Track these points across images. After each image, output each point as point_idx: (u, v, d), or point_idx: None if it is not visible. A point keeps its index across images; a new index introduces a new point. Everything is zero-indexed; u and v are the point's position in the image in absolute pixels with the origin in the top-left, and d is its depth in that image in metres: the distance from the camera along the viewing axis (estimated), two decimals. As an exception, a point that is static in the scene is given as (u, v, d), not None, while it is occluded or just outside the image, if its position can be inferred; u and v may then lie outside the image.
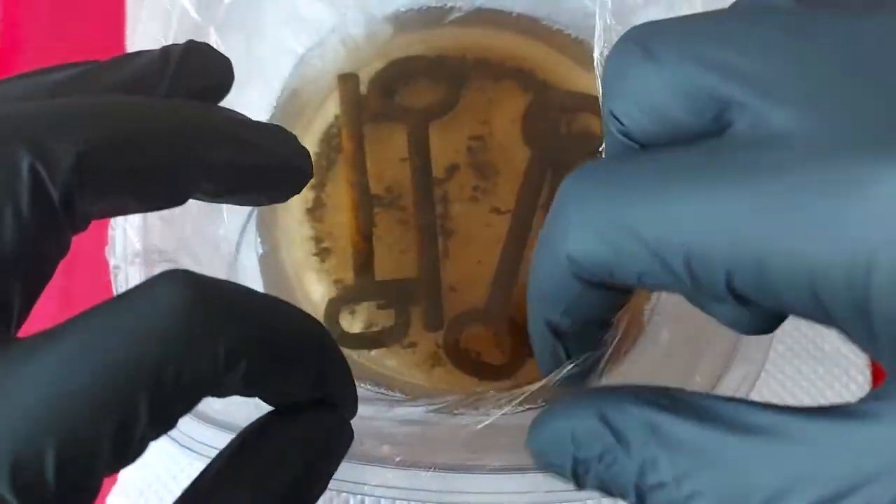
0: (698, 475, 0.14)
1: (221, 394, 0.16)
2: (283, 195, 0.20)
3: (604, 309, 0.19)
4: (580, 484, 0.16)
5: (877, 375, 0.33)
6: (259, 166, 0.18)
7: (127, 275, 0.26)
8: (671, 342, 0.30)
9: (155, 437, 0.15)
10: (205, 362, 0.15)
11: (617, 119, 0.17)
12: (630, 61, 0.16)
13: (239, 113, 0.19)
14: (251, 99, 0.32)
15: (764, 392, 0.33)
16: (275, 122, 0.33)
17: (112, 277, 0.26)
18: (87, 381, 0.14)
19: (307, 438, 0.18)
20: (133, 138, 0.16)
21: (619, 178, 0.16)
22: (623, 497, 0.16)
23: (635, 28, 0.17)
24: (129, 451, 0.15)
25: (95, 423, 0.14)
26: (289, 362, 0.17)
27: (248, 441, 0.18)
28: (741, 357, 0.25)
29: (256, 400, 0.18)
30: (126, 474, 0.32)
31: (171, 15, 0.22)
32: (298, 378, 0.17)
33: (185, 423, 0.24)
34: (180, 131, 0.17)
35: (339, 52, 0.33)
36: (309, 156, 0.20)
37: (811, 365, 0.33)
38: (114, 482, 0.33)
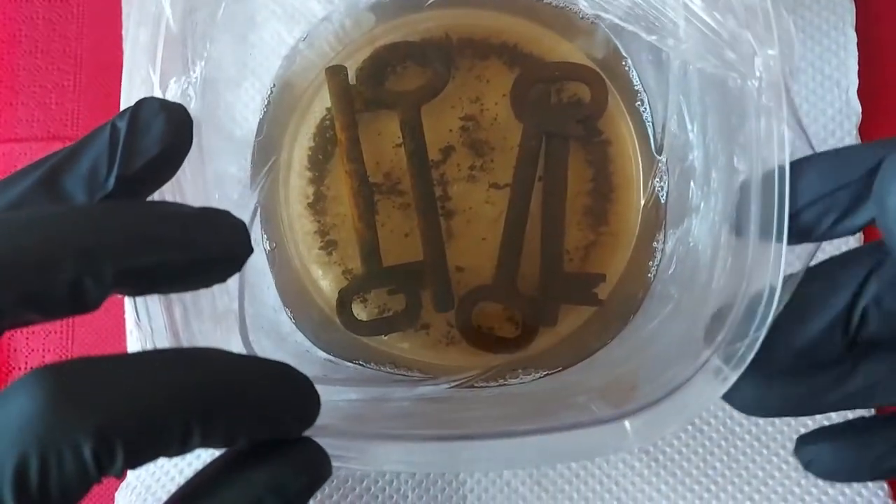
0: None
1: (118, 474, 0.16)
2: (220, 279, 0.19)
3: None
4: None
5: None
6: (182, 263, 0.18)
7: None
8: (678, 301, 0.30)
9: None
10: (69, 461, 0.15)
11: None
12: None
13: (173, 204, 0.18)
14: (246, 94, 0.32)
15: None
16: (270, 117, 0.33)
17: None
18: None
19: (276, 482, 0.18)
20: (30, 256, 0.16)
21: None
22: None
23: None
24: None
25: None
26: (184, 433, 0.16)
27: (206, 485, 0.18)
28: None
29: None
30: (134, 470, 0.32)
31: (160, 21, 0.22)
32: (203, 442, 0.17)
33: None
34: (82, 244, 0.17)
35: (330, 42, 0.34)
36: (245, 233, 0.19)
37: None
38: (122, 479, 0.33)
